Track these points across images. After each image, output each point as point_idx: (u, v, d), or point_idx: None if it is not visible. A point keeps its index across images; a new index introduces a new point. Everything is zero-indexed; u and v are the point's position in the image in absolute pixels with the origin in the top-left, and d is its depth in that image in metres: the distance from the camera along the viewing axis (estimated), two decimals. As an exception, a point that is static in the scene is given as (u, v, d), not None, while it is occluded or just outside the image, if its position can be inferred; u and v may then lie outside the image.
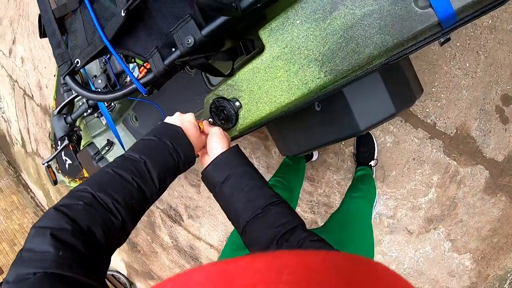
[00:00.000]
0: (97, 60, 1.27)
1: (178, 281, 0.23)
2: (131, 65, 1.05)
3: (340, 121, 0.98)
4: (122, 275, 3.50)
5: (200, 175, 0.67)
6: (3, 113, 4.63)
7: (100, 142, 1.46)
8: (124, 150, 1.19)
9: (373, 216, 1.28)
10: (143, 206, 0.55)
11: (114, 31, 0.61)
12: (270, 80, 0.67)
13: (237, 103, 0.73)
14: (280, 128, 1.12)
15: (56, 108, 1.63)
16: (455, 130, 1.31)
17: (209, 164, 0.65)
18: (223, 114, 0.77)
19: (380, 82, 0.95)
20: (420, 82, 1.13)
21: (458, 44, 1.22)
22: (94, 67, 1.24)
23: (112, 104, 1.32)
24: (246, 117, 0.73)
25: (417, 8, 0.54)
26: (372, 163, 1.47)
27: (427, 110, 1.34)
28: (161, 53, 0.63)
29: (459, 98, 1.27)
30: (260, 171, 1.83)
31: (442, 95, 1.30)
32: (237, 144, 0.69)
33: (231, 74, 0.70)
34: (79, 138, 1.56)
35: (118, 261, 3.53)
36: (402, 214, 1.51)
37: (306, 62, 0.62)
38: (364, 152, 1.48)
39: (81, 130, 1.52)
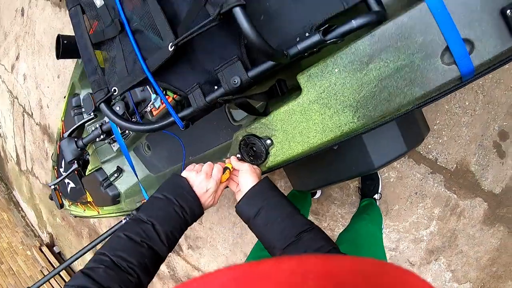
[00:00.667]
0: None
1: (202, 282, 0.24)
2: (153, 95, 1.08)
3: (356, 159, 1.03)
4: None
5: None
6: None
7: (109, 169, 1.46)
8: (137, 178, 1.19)
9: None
10: (155, 262, 0.63)
11: (158, 65, 0.62)
12: (305, 122, 0.70)
13: (268, 141, 0.76)
14: (296, 164, 1.16)
15: (64, 131, 1.62)
16: (455, 165, 1.38)
17: (241, 199, 0.69)
18: (252, 151, 0.80)
19: (393, 123, 1.01)
20: (427, 122, 1.20)
21: (457, 85, 1.32)
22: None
23: (127, 131, 1.33)
24: (277, 155, 0.76)
25: (443, 64, 0.60)
26: (376, 196, 1.52)
27: (429, 146, 1.41)
28: (202, 90, 0.66)
29: (459, 135, 1.35)
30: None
31: (443, 132, 1.38)
32: (267, 176, 0.72)
33: (266, 113, 0.74)
34: (85, 163, 1.55)
35: None
36: (404, 246, 1.55)
37: (341, 107, 0.67)
38: (369, 185, 1.53)
39: (89, 154, 1.51)
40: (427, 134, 1.18)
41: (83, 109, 1.46)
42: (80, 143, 1.26)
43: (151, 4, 0.62)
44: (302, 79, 0.68)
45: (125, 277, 0.57)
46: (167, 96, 0.94)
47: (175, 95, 0.95)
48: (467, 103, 1.32)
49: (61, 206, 1.61)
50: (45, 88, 3.09)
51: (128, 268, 0.58)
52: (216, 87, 0.65)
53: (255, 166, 0.76)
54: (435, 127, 1.38)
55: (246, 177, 0.71)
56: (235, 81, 0.60)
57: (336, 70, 0.65)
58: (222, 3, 0.49)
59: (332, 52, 0.65)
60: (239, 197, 0.71)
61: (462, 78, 0.61)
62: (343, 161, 1.04)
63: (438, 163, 1.41)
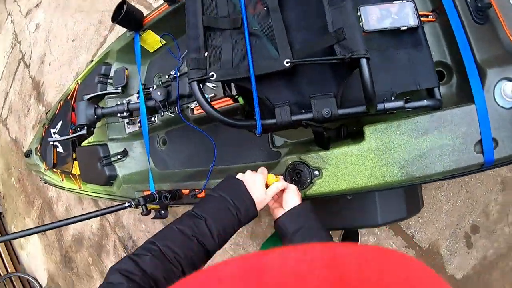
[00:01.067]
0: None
1: (210, 273, 0.24)
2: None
3: (364, 212, 1.13)
4: (39, 284, 2.99)
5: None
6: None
7: (114, 148, 1.43)
8: (150, 167, 1.18)
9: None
10: (202, 257, 0.65)
11: (266, 72, 0.69)
12: (357, 165, 0.80)
13: (316, 172, 0.84)
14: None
15: (76, 93, 1.55)
16: (428, 245, 1.54)
17: (284, 214, 0.74)
18: (297, 177, 0.87)
19: (402, 190, 1.15)
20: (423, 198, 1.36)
21: (447, 176, 1.52)
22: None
23: (153, 118, 1.34)
24: (322, 186, 0.84)
25: (474, 152, 0.75)
26: (351, 254, 1.61)
27: (409, 222, 1.57)
28: (291, 108, 0.73)
29: (438, 220, 1.52)
30: (243, 234, 1.87)
31: (425, 214, 1.54)
32: (309, 200, 0.78)
33: (327, 148, 0.83)
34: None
35: (42, 269, 3.05)
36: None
37: (392, 162, 0.78)
38: (348, 244, 1.62)
39: (96, 127, 1.46)
40: (422, 208, 1.32)
41: (109, 80, 1.44)
42: (99, 111, 1.21)
43: (275, 19, 0.71)
44: (368, 130, 0.79)
45: (169, 267, 0.59)
46: (229, 100, 0.99)
47: (227, 99, 1.00)
48: (451, 194, 1.51)
49: (54, 165, 1.51)
50: (54, 46, 2.96)
51: (174, 259, 0.60)
52: (303, 111, 0.73)
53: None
54: (420, 206, 1.54)
55: (293, 195, 0.76)
56: (326, 112, 0.69)
57: (398, 132, 0.77)
58: (353, 50, 0.59)
59: (394, 118, 0.78)
60: (279, 212, 0.76)
61: (483, 164, 0.76)
62: (352, 210, 1.14)
63: (413, 239, 1.56)
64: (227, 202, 0.69)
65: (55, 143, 1.64)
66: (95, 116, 1.22)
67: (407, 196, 1.16)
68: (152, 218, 1.14)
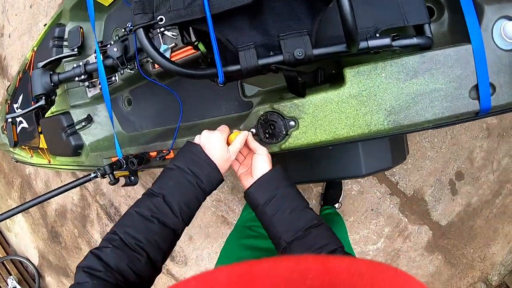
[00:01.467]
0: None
1: (202, 280, 0.24)
2: (163, 46, 1.00)
3: (347, 163, 1.08)
4: (32, 264, 2.97)
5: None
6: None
7: (78, 115, 1.30)
8: (115, 132, 1.09)
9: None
10: (168, 238, 0.60)
11: (223, 10, 0.57)
12: (338, 113, 0.72)
13: (292, 123, 0.76)
14: (284, 156, 1.17)
15: (33, 61, 1.42)
16: (412, 192, 1.53)
17: (252, 185, 0.66)
18: (270, 129, 0.79)
19: (387, 139, 1.09)
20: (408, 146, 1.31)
21: (432, 122, 1.47)
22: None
23: (113, 78, 1.20)
24: (299, 138, 0.76)
25: (470, 98, 0.68)
26: (337, 205, 1.60)
27: (393, 170, 1.54)
28: (257, 51, 0.63)
29: (422, 166, 1.50)
30: (224, 189, 1.82)
31: (409, 160, 1.52)
32: (280, 165, 0.70)
33: (303, 95, 0.74)
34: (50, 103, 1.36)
35: (31, 248, 3.02)
36: (351, 256, 1.66)
37: (377, 108, 0.70)
38: (332, 194, 1.61)
39: (56, 95, 1.33)
40: (407, 156, 1.29)
41: (65, 42, 1.30)
42: (55, 77, 1.10)
43: None
44: (349, 73, 0.70)
45: (133, 256, 0.55)
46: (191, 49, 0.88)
47: (189, 48, 0.88)
48: (435, 140, 1.47)
49: (15, 144, 1.40)
50: (12, 15, 2.65)
51: (136, 246, 0.56)
52: (272, 53, 0.63)
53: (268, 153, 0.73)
54: (405, 154, 1.51)
55: (262, 162, 0.68)
56: (299, 53, 0.59)
57: (383, 75, 0.69)
58: None
59: (379, 58, 0.69)
60: (247, 182, 0.69)
61: (479, 112, 0.70)
62: (335, 162, 1.09)
63: (398, 186, 1.54)
64: (184, 173, 0.62)
65: (18, 119, 1.52)
66: (52, 84, 1.10)
67: (392, 144, 1.11)
68: (122, 186, 1.07)
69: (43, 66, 1.19)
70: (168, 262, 2.17)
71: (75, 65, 1.12)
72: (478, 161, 1.44)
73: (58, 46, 1.29)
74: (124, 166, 1.02)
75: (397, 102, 0.69)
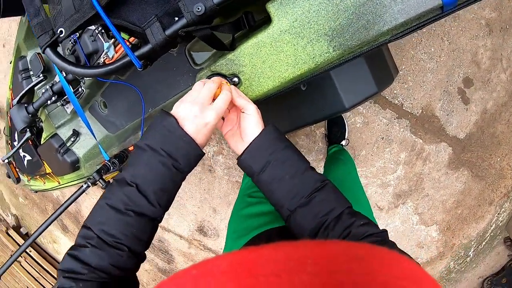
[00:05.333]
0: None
1: (202, 268, 0.24)
2: (106, 44, 0.97)
3: (326, 99, 1.01)
4: None
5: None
6: None
7: (65, 133, 1.33)
8: (96, 139, 1.10)
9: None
10: (147, 228, 0.55)
11: None
12: (275, 54, 0.65)
13: (235, 79, 0.71)
14: (263, 109, 1.12)
15: (12, 99, 1.47)
16: (420, 110, 1.42)
17: (244, 152, 0.59)
18: None
19: (364, 64, 1.00)
20: (395, 63, 1.20)
21: (424, 30, 1.31)
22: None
23: (80, 89, 1.21)
24: (246, 93, 0.71)
25: None
26: (343, 143, 1.54)
27: (394, 92, 1.43)
28: (162, 23, 0.58)
29: (425, 81, 1.37)
30: (234, 155, 1.80)
31: (409, 78, 1.39)
32: (273, 124, 0.61)
33: (233, 48, 0.68)
34: (39, 132, 1.41)
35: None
36: (372, 191, 1.61)
37: (316, 36, 0.62)
38: (336, 132, 1.54)
39: (42, 121, 1.37)
40: (396, 75, 1.18)
41: (31, 72, 1.32)
42: (30, 108, 1.16)
43: None
44: (272, 7, 0.62)
45: (113, 253, 0.52)
46: (119, 47, 0.84)
47: (131, 38, 0.85)
48: (432, 50, 1.33)
49: (18, 180, 1.49)
50: None
51: (114, 243, 0.52)
52: (177, 19, 0.57)
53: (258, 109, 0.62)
54: (400, 72, 1.39)
55: (253, 123, 0.59)
56: (198, 9, 0.53)
57: (310, -5, 0.60)
58: None
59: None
60: (238, 145, 0.61)
61: (443, 7, 0.59)
62: (313, 103, 1.02)
63: (403, 108, 1.43)
64: (158, 156, 0.53)
65: (21, 154, 1.61)
66: (30, 115, 1.15)
67: (372, 68, 1.01)
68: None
69: (18, 101, 1.22)
70: (201, 238, 2.26)
71: (43, 90, 1.15)
72: (484, 62, 1.28)
73: (26, 78, 1.33)
74: (111, 168, 1.04)
75: (336, 23, 0.61)
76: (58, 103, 1.30)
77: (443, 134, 1.41)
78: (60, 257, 3.67)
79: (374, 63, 1.02)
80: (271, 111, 1.12)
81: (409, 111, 1.43)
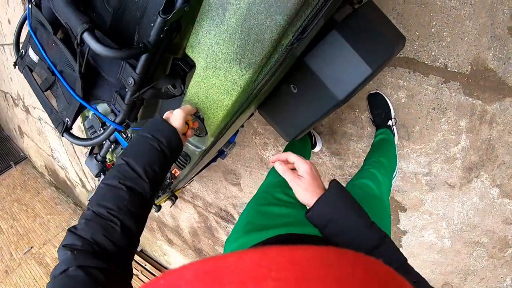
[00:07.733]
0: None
1: (169, 278, 0.24)
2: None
3: (317, 97, 1.00)
4: None
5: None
6: (58, 162, 5.42)
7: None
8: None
9: (392, 187, 1.24)
10: (139, 203, 0.62)
11: (81, 92, 0.76)
12: (210, 89, 0.75)
13: (199, 114, 0.83)
14: (272, 117, 1.17)
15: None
16: (470, 67, 1.19)
17: (309, 211, 0.64)
18: (197, 129, 0.87)
19: (348, 47, 0.94)
20: (399, 30, 1.06)
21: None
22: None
23: (129, 134, 1.52)
24: (209, 125, 0.82)
25: None
26: (391, 122, 1.41)
27: (432, 53, 1.24)
28: (121, 95, 0.76)
29: (464, 31, 1.15)
30: (270, 141, 1.86)
31: (445, 33, 1.19)
32: (335, 182, 0.64)
33: (184, 92, 0.80)
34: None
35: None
36: (437, 168, 1.42)
37: (228, 64, 0.68)
38: (380, 114, 1.43)
39: (107, 160, 1.77)
40: (402, 44, 1.04)
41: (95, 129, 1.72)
42: (98, 157, 1.51)
43: (60, 45, 0.74)
44: (189, 52, 0.72)
45: (107, 225, 0.56)
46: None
47: None
48: (462, -8, 1.10)
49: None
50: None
51: (108, 215, 0.57)
52: (127, 90, 0.74)
53: (313, 166, 0.68)
54: (432, 29, 1.20)
55: (299, 189, 0.65)
56: (129, 82, 0.68)
57: (205, 32, 0.66)
58: (77, 33, 0.58)
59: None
60: (305, 197, 0.66)
61: None
62: (307, 102, 1.02)
63: (449, 69, 1.23)
64: (147, 138, 0.67)
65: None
66: (99, 162, 1.51)
67: (359, 50, 0.94)
68: (170, 207, 1.35)
69: (90, 153, 1.61)
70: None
71: (104, 142, 1.51)
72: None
73: (94, 132, 1.71)
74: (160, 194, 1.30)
75: (234, 46, 0.66)
76: (119, 148, 1.67)
77: (505, 88, 1.14)
78: (172, 267, 4.46)
79: (361, 41, 0.95)
80: (282, 117, 1.14)
81: (457, 71, 1.21)
